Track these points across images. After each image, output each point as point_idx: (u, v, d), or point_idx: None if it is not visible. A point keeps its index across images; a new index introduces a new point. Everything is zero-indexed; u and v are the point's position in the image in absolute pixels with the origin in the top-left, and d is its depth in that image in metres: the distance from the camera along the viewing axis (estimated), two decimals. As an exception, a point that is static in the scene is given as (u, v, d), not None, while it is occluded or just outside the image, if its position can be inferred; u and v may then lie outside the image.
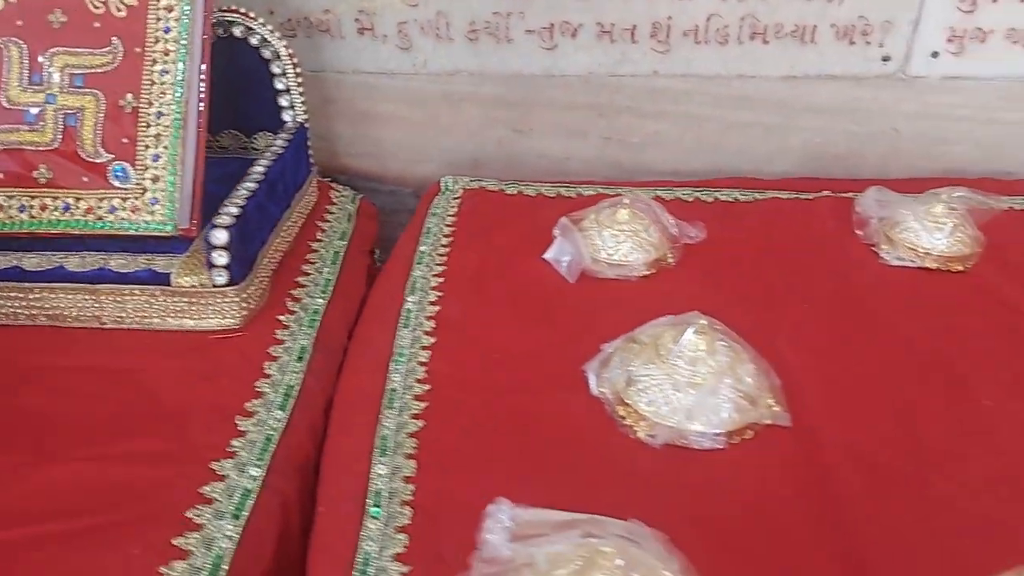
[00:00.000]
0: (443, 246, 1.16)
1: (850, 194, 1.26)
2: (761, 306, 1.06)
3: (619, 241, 1.12)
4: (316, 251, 1.14)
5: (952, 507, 0.78)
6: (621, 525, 0.65)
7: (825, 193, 1.30)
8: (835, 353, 0.99)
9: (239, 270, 0.97)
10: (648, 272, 1.11)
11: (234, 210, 0.98)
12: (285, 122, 1.20)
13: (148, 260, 0.98)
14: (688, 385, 0.85)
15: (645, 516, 0.67)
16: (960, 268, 1.14)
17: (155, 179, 1.02)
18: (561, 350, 0.94)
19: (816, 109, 1.38)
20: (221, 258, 0.96)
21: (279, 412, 0.88)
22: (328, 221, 1.21)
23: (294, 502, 0.83)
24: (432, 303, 1.03)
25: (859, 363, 0.97)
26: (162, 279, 0.97)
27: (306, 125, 1.21)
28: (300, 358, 0.94)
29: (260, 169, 1.07)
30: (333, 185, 1.33)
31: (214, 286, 0.97)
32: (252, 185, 1.03)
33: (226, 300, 0.97)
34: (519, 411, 0.88)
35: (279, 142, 1.14)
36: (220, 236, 0.95)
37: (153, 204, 1.02)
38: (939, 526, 0.77)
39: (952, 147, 1.40)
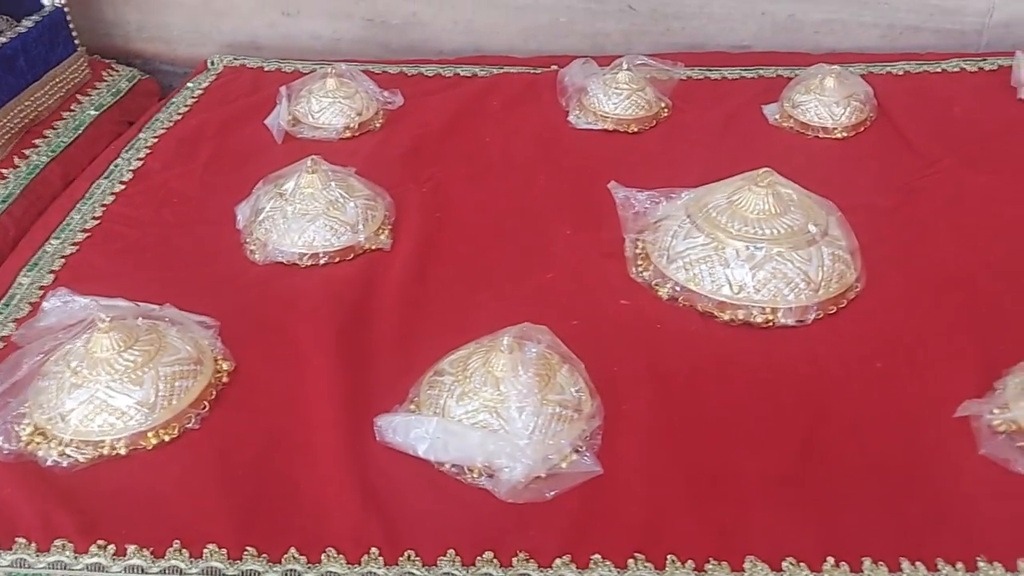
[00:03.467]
0: (179, 113, 1.31)
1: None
2: (450, 163, 1.21)
3: (323, 106, 1.26)
4: (64, 119, 1.30)
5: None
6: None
7: (553, 67, 1.43)
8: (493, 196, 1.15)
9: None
10: (350, 134, 1.26)
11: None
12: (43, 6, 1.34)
13: None
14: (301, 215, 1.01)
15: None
16: (635, 129, 1.28)
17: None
18: (223, 195, 1.10)
19: (558, -11, 1.50)
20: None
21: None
22: (89, 95, 1.36)
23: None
24: (139, 159, 1.20)
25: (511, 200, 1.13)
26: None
27: (65, 8, 1.35)
28: (4, 201, 1.12)
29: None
30: (113, 65, 1.48)
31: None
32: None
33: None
34: (181, 243, 1.05)
35: (26, 23, 1.28)
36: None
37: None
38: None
39: (688, 22, 1.51)
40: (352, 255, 1.01)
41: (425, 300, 0.96)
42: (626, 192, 0.99)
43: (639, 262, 0.99)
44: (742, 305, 0.92)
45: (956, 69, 1.42)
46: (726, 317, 0.92)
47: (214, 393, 0.82)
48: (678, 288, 0.94)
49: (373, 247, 1.02)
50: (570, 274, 0.99)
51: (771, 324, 0.91)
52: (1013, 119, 1.28)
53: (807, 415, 0.83)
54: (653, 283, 0.96)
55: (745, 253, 0.92)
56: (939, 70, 1.43)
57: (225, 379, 0.84)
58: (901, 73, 1.42)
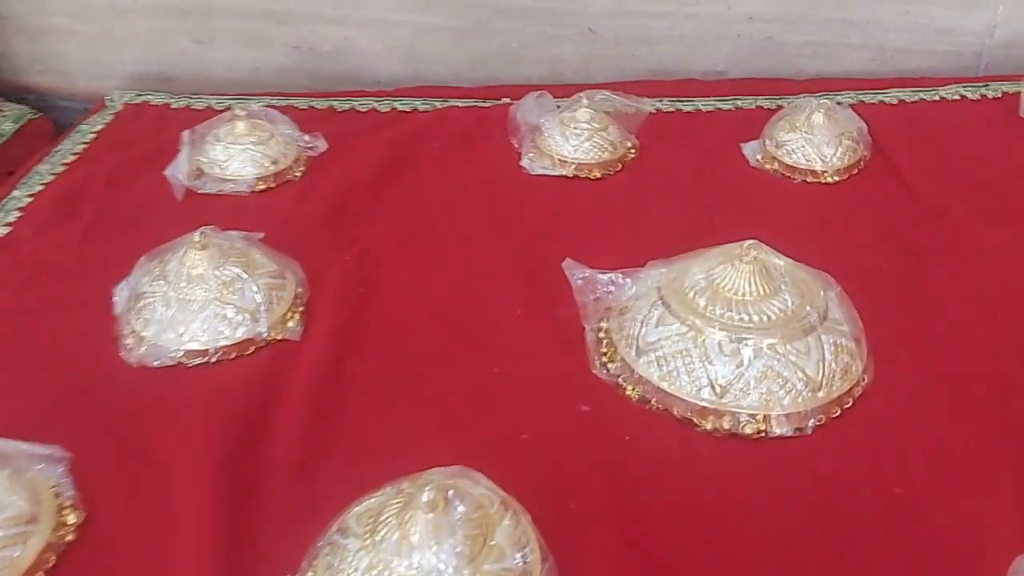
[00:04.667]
0: (63, 163, 1.12)
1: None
2: (380, 222, 1.03)
3: (231, 155, 1.08)
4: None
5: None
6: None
7: (505, 100, 1.26)
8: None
9: None
10: (265, 186, 1.08)
11: None
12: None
13: None
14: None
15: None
16: (598, 175, 1.11)
17: None
18: (101, 270, 0.91)
19: (507, 11, 1.32)
20: None
21: None
22: (-35, 140, 1.17)
23: None
24: (7, 224, 1.00)
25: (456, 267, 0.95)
26: None
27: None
28: None
29: None
30: (-1, 103, 1.29)
31: None
32: None
33: None
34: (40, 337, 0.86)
35: None
36: None
37: None
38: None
39: (655, 46, 1.35)
40: (252, 348, 0.82)
41: (338, 409, 0.77)
42: (584, 274, 0.82)
43: (603, 351, 0.81)
44: (727, 411, 0.75)
45: (955, 97, 1.27)
46: (708, 426, 0.75)
47: (52, 559, 0.63)
48: (650, 388, 0.78)
49: (279, 337, 0.83)
50: (521, 369, 0.81)
51: (763, 435, 0.74)
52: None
53: (809, 555, 0.66)
54: (620, 380, 0.79)
55: (730, 346, 0.76)
56: (937, 98, 1.27)
57: (70, 537, 0.64)
58: (895, 102, 1.26)
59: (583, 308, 0.80)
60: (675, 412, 0.76)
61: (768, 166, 1.11)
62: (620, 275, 0.81)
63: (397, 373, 0.81)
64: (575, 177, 1.10)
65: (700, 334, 0.76)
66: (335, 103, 1.28)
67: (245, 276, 0.84)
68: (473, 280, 0.92)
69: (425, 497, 0.58)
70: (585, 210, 1.04)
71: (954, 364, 0.81)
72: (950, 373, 0.80)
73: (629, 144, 1.14)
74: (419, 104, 1.27)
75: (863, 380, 0.78)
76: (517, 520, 0.62)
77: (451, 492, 0.59)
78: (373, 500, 0.63)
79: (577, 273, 0.81)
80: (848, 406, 0.76)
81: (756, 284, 0.78)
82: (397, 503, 0.61)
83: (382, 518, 0.60)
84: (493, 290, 0.90)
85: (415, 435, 0.75)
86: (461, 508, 0.58)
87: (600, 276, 0.81)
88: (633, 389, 0.78)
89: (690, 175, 1.10)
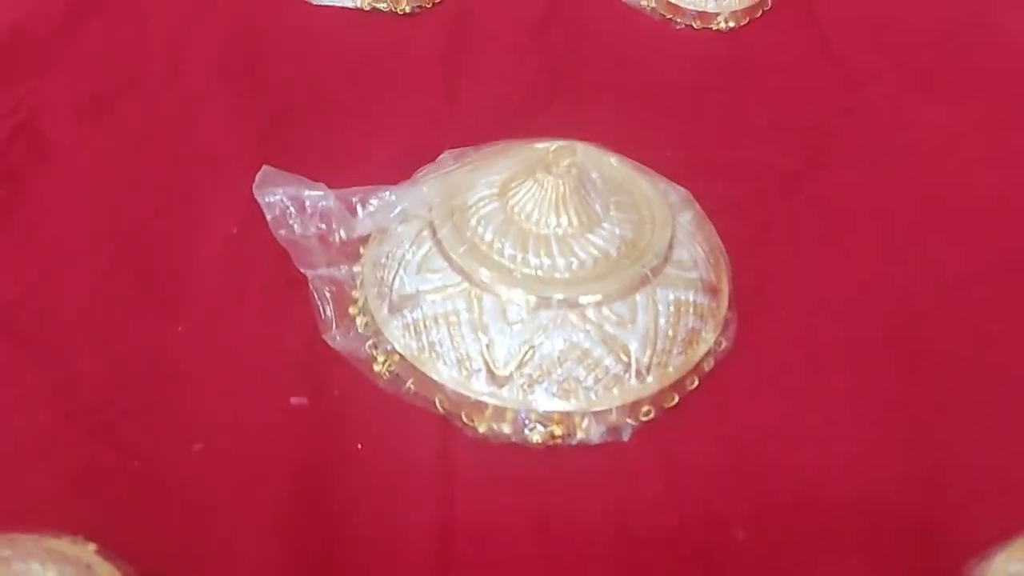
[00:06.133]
0: None
1: None
2: (63, 77, 0.69)
3: None
4: None
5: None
6: None
7: None
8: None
9: None
10: None
11: None
12: None
13: None
14: None
15: None
16: (407, 8, 0.80)
17: None
18: None
19: None
20: None
21: None
22: None
23: None
24: None
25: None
26: None
27: None
28: None
29: None
30: None
31: None
32: None
33: None
34: None
35: None
36: None
37: None
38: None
39: None
40: None
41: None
42: (290, 193, 0.52)
43: (347, 306, 0.55)
44: (509, 407, 0.51)
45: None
46: (482, 429, 0.51)
47: None
48: (405, 367, 0.53)
49: None
50: (216, 330, 0.54)
51: (559, 442, 0.51)
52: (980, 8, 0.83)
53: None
54: (364, 350, 0.54)
55: (516, 309, 0.50)
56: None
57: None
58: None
59: (292, 248, 0.53)
60: (437, 403, 0.51)
61: (644, 2, 0.82)
62: (367, 191, 0.54)
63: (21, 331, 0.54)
64: (373, 10, 0.77)
65: (477, 288, 0.51)
66: None
67: None
68: (181, 175, 0.63)
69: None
70: (379, 64, 0.74)
71: (855, 319, 0.58)
72: (849, 335, 0.57)
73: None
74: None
75: (717, 348, 0.55)
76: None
77: None
78: None
79: (274, 196, 0.52)
80: (692, 388, 0.53)
81: (566, 210, 0.52)
82: None
83: None
84: (207, 193, 0.62)
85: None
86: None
87: (320, 196, 0.52)
88: (383, 365, 0.53)
89: (535, 15, 0.79)
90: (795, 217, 0.64)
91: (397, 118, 0.67)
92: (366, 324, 0.54)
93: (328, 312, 0.53)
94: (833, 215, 0.64)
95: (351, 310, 0.54)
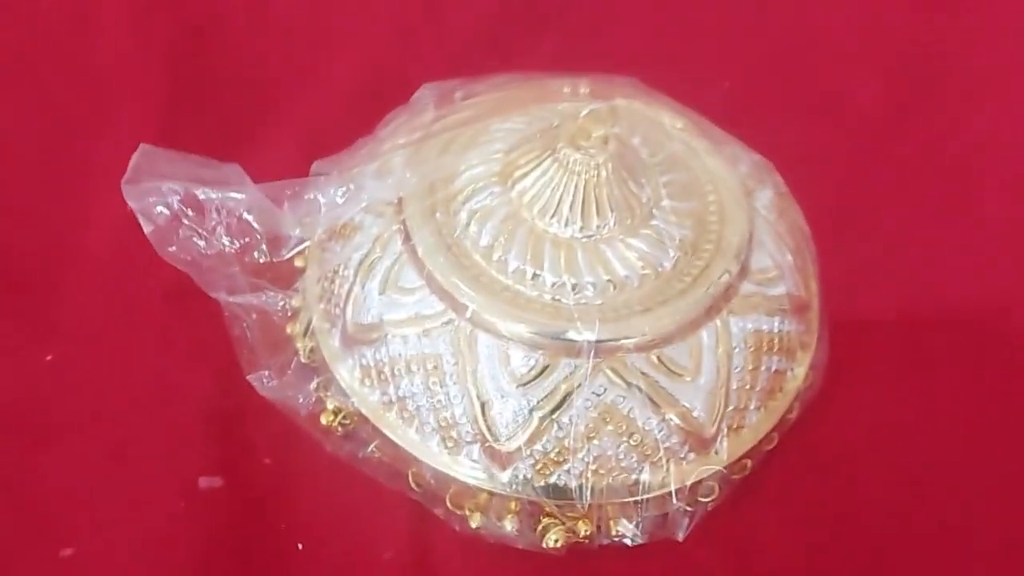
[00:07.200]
0: None
1: None
2: None
3: None
4: None
5: None
6: None
7: None
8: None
9: None
10: None
11: None
12: None
13: None
14: None
15: None
16: None
17: None
18: None
19: None
20: None
21: None
22: None
23: None
24: None
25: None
26: None
27: None
28: None
29: None
30: None
31: None
32: None
33: None
34: None
35: None
36: None
37: None
38: None
39: None
40: None
41: None
42: (184, 188, 0.33)
43: (287, 328, 0.39)
44: (513, 496, 0.35)
45: None
46: (476, 523, 0.35)
47: None
48: (367, 427, 0.36)
49: None
50: (92, 360, 0.38)
51: (588, 543, 0.35)
52: None
53: None
54: (310, 398, 0.38)
55: (528, 357, 0.34)
56: None
57: None
58: None
59: (191, 270, 0.35)
60: (411, 482, 0.36)
61: None
62: (325, 185, 0.36)
63: None
64: None
65: (467, 322, 0.34)
66: None
67: None
68: (63, 117, 0.45)
69: None
70: None
71: (991, 337, 0.42)
72: (982, 357, 0.41)
73: None
74: None
75: (804, 388, 0.39)
76: None
77: None
78: None
79: (155, 191, 0.33)
80: (770, 449, 0.38)
81: (600, 204, 0.35)
82: None
83: None
84: (95, 146, 0.44)
85: None
86: None
87: (218, 192, 0.33)
88: (333, 418, 0.37)
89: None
90: (900, 177, 0.47)
91: (357, 38, 0.49)
92: (311, 357, 0.38)
93: (253, 343, 0.37)
94: (953, 174, 0.47)
95: (289, 331, 0.39)
